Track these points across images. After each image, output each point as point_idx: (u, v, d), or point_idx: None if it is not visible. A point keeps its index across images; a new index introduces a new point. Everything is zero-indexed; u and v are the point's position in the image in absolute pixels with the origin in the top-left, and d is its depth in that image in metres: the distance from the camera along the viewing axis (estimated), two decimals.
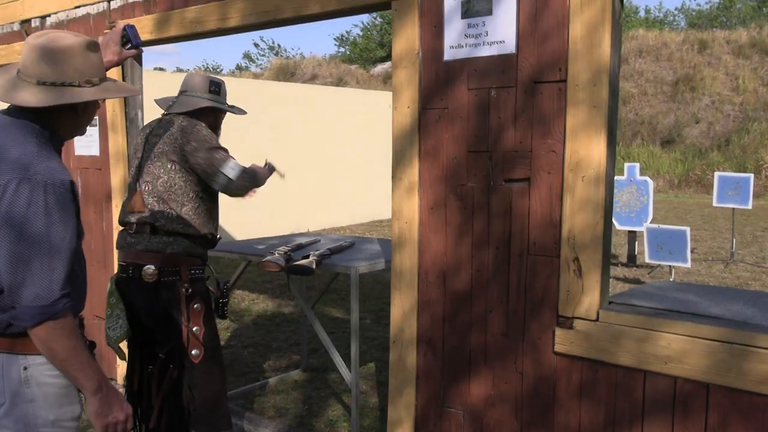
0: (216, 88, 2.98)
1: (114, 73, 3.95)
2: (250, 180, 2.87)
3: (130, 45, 2.38)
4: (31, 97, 1.74)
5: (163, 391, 2.76)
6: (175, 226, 2.72)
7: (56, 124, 1.83)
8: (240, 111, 3.08)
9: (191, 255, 2.77)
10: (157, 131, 2.83)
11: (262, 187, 3.02)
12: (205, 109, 2.93)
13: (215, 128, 3.00)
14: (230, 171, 2.76)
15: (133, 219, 2.78)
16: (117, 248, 2.85)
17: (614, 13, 2.32)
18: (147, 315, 2.78)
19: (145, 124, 4.07)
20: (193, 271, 2.76)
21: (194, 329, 2.71)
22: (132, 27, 2.39)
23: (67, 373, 1.71)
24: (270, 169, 3.13)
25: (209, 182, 2.79)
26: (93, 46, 1.84)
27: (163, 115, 2.92)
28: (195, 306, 2.72)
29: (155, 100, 3.03)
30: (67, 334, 1.67)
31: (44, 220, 1.64)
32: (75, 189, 1.75)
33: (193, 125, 2.79)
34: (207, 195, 2.83)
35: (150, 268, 2.68)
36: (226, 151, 2.82)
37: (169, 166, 2.74)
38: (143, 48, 2.44)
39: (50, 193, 1.65)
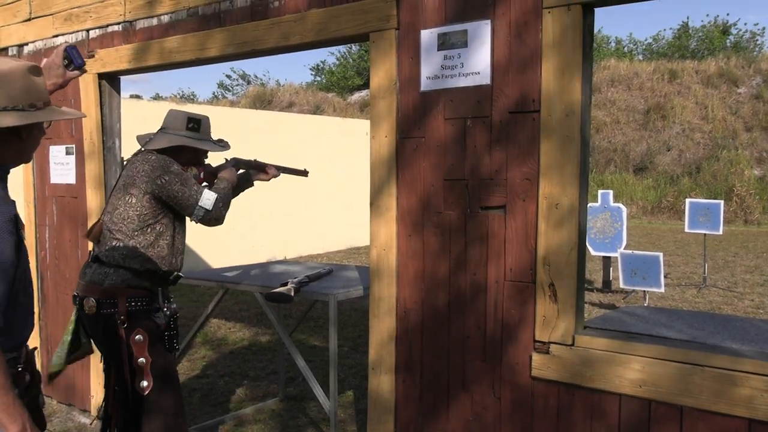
0: (195, 125, 2.95)
1: (92, 103, 3.95)
2: (225, 204, 2.89)
3: (73, 66, 2.36)
4: None
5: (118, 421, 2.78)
6: (116, 257, 2.72)
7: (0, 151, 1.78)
8: (218, 147, 3.03)
9: (132, 287, 2.73)
10: (130, 165, 2.83)
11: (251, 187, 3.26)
12: (183, 146, 2.93)
13: (195, 164, 2.99)
14: (206, 202, 2.79)
15: (90, 250, 2.83)
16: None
17: (585, 46, 2.40)
18: (99, 346, 2.82)
19: (122, 152, 4.09)
20: (132, 303, 2.72)
21: (140, 360, 2.66)
22: (74, 48, 2.36)
23: None
24: (256, 166, 3.33)
25: (186, 214, 2.83)
26: (35, 71, 1.81)
27: (141, 149, 2.91)
28: (136, 337, 2.68)
29: (137, 137, 3.02)
30: None
31: None
32: (17, 220, 1.71)
33: (163, 161, 2.78)
34: (164, 230, 2.81)
35: (90, 301, 2.69)
36: (196, 183, 2.84)
37: (126, 199, 2.75)
38: (86, 69, 2.42)
39: None
